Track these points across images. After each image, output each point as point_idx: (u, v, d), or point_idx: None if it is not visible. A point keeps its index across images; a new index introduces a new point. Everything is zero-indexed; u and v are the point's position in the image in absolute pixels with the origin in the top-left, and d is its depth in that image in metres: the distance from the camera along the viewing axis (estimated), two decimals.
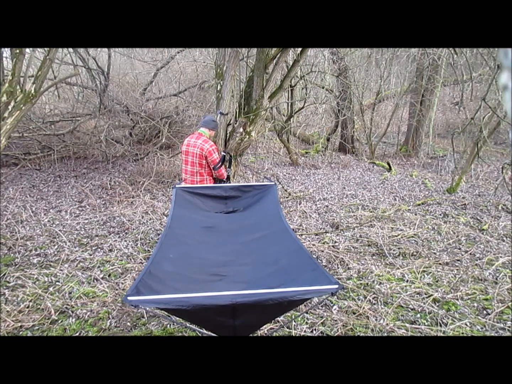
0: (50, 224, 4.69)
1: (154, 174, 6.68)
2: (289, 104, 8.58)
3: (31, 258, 3.76)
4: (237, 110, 4.72)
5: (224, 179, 4.02)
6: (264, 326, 2.62)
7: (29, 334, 2.60)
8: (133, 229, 4.61)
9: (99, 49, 8.84)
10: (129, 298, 1.51)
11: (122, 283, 3.34)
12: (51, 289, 3.18)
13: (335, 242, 4.39)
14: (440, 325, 2.80)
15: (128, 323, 2.77)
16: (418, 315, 2.93)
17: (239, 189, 3.41)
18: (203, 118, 4.19)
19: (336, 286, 1.62)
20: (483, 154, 7.01)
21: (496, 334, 2.72)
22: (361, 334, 2.66)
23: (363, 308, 2.97)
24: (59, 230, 4.43)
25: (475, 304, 3.11)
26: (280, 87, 4.99)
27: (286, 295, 1.60)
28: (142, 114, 7.42)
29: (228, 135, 4.66)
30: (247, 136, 4.65)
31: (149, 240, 4.33)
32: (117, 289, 3.23)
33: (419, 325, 2.80)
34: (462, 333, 2.72)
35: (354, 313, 2.92)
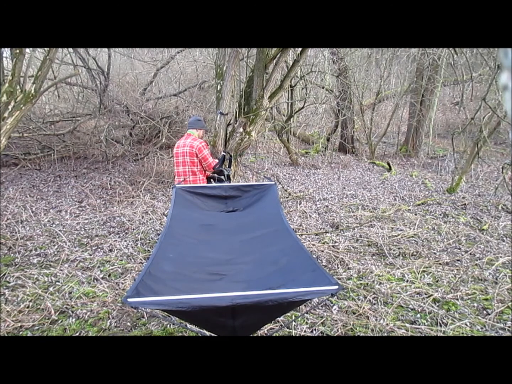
0: (50, 224, 4.69)
1: (154, 174, 6.68)
2: (289, 104, 8.58)
3: (31, 258, 3.76)
4: (237, 110, 4.72)
5: (218, 169, 4.01)
6: (264, 326, 2.62)
7: (29, 334, 2.60)
8: (133, 229, 4.61)
9: (99, 49, 8.84)
10: (129, 299, 1.51)
11: (122, 283, 3.34)
12: (51, 289, 3.18)
13: (335, 242, 4.39)
14: (440, 325, 2.79)
15: (128, 323, 2.77)
16: (418, 315, 2.93)
17: (239, 188, 3.41)
18: (189, 119, 4.28)
19: (336, 287, 1.62)
20: (483, 154, 7.02)
21: (496, 334, 2.71)
22: (361, 334, 2.66)
23: (363, 308, 2.97)
24: (59, 230, 4.43)
25: (475, 304, 3.10)
26: (280, 87, 4.99)
27: (286, 296, 1.60)
28: (142, 114, 7.43)
29: (228, 135, 4.66)
30: (247, 136, 4.65)
31: (149, 240, 4.33)
32: (117, 289, 3.23)
33: (419, 325, 2.80)
34: (462, 333, 2.72)
35: (354, 313, 2.92)
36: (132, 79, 9.08)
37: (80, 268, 3.60)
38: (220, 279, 2.12)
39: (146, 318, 2.84)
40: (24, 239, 4.16)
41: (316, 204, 5.97)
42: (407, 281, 3.49)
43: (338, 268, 3.74)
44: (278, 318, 2.74)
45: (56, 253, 3.90)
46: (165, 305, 1.55)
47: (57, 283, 3.30)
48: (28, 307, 2.89)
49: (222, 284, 2.06)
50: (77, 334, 2.63)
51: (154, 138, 8.05)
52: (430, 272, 3.65)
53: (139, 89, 8.30)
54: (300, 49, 5.14)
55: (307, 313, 2.87)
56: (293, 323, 2.75)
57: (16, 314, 2.77)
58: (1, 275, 3.36)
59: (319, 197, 6.43)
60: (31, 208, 5.18)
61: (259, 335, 2.58)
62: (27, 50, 4.86)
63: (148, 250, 4.04)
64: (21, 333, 2.60)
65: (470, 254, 4.14)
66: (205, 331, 2.08)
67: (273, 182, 3.37)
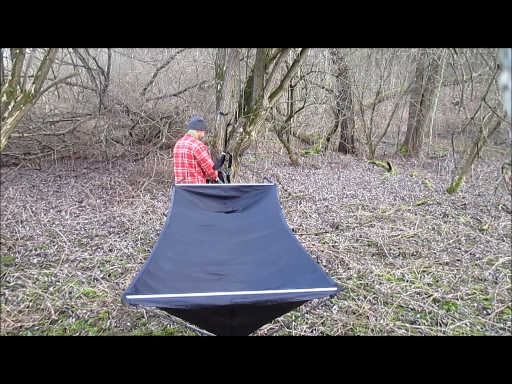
0: (50, 224, 4.69)
1: (154, 174, 6.68)
2: (289, 104, 8.58)
3: (31, 258, 3.76)
4: (237, 110, 4.72)
5: (216, 179, 4.02)
6: (264, 326, 2.62)
7: (29, 334, 2.60)
8: (133, 229, 4.61)
9: (99, 49, 8.83)
10: (128, 297, 1.51)
11: (122, 283, 3.34)
12: (51, 289, 3.18)
13: (335, 242, 4.39)
14: (440, 325, 2.79)
15: (128, 323, 2.77)
16: (418, 315, 2.93)
17: (238, 189, 3.41)
18: (190, 119, 4.25)
19: (335, 288, 1.62)
20: (483, 154, 7.01)
21: (496, 334, 2.71)
22: (361, 334, 2.66)
23: (363, 308, 2.97)
24: (59, 230, 4.42)
25: (475, 304, 3.11)
26: (280, 87, 4.99)
27: (285, 296, 1.60)
28: (142, 114, 7.42)
29: (228, 135, 4.66)
30: (247, 136, 4.65)
31: (149, 240, 4.33)
32: (117, 289, 3.23)
33: (419, 325, 2.80)
34: (462, 333, 2.72)
35: (354, 313, 2.92)
36: (132, 79, 9.07)
37: (80, 268, 3.60)
38: (219, 279, 2.12)
39: (146, 318, 2.84)
40: (24, 239, 4.16)
41: (316, 204, 5.97)
42: (407, 281, 3.49)
43: (338, 268, 3.74)
44: (278, 318, 2.74)
45: (56, 253, 3.90)
46: (164, 303, 1.55)
47: (57, 283, 3.30)
48: (28, 307, 2.89)
49: (221, 284, 2.06)
50: (77, 334, 2.63)
51: (154, 138, 8.05)
52: (430, 272, 3.65)
53: (139, 89, 8.30)
54: (300, 49, 5.14)
55: (307, 313, 2.87)
56: (293, 323, 2.75)
57: (16, 314, 2.77)
58: (1, 275, 3.35)
59: (319, 197, 6.43)
60: (31, 208, 5.18)
61: (259, 335, 2.58)
62: (27, 50, 4.86)
63: (148, 250, 4.04)
64: (21, 333, 2.60)
65: (470, 254, 4.14)
66: (205, 331, 2.08)
67: (273, 183, 3.36)
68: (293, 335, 2.64)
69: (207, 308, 1.56)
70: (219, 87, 4.58)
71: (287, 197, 6.26)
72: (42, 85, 4.28)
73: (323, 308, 2.99)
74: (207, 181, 4.08)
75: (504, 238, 4.65)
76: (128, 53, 9.69)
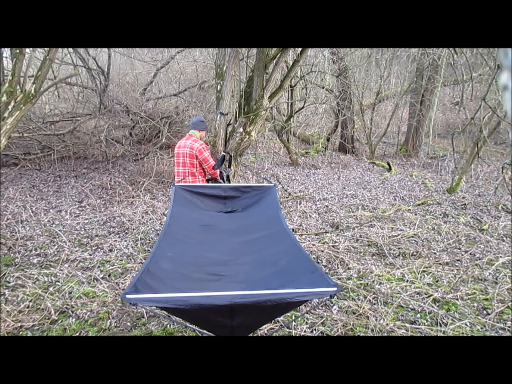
0: (50, 224, 4.69)
1: (154, 174, 6.68)
2: (289, 104, 8.58)
3: (31, 258, 3.76)
4: (237, 110, 4.72)
5: (217, 178, 4.02)
6: (264, 326, 2.62)
7: (29, 334, 2.60)
8: (133, 229, 4.61)
9: (99, 49, 8.84)
10: (127, 296, 1.51)
11: (122, 283, 3.34)
12: (51, 289, 3.18)
13: (335, 242, 4.39)
14: (440, 325, 2.79)
15: (128, 323, 2.77)
16: (418, 315, 2.93)
17: (238, 189, 3.40)
18: (192, 119, 4.24)
19: (335, 288, 1.62)
20: (483, 154, 7.01)
21: (496, 334, 2.71)
22: (361, 334, 2.66)
23: (363, 308, 2.97)
24: (59, 230, 4.42)
25: (475, 304, 3.10)
26: (280, 87, 4.99)
27: (285, 296, 1.60)
28: (142, 114, 7.42)
29: (228, 135, 4.66)
30: (247, 136, 4.65)
31: (149, 240, 4.33)
32: (117, 289, 3.23)
33: (419, 325, 2.80)
34: (462, 333, 2.72)
35: (354, 313, 2.92)
36: (132, 79, 9.07)
37: (80, 268, 3.60)
38: (219, 279, 2.12)
39: (146, 318, 2.84)
40: (24, 239, 4.16)
41: (316, 204, 5.97)
42: (407, 281, 3.49)
43: (338, 268, 3.74)
44: (278, 318, 2.74)
45: (56, 253, 3.90)
46: (163, 302, 1.55)
47: (57, 283, 3.30)
48: (28, 307, 2.89)
49: (220, 284, 2.06)
50: (77, 334, 2.63)
51: (154, 138, 8.05)
52: (430, 272, 3.65)
53: (139, 89, 8.30)
54: (300, 49, 5.14)
55: (307, 313, 2.86)
56: (293, 323, 2.75)
57: (16, 314, 2.77)
58: (1, 275, 3.35)
59: (319, 197, 6.43)
60: (31, 208, 5.18)
61: (259, 335, 2.58)
62: (27, 50, 4.86)
63: (148, 250, 4.04)
64: (21, 333, 2.60)
65: (470, 254, 4.14)
66: (205, 331, 2.08)
67: (273, 184, 3.36)
68: (293, 335, 2.64)
69: (207, 308, 1.56)
70: (219, 87, 4.58)
71: (287, 197, 6.26)
72: (42, 85, 4.28)
73: (323, 308, 2.99)
74: (208, 180, 4.08)
75: (504, 238, 4.65)
76: (128, 53, 9.69)
